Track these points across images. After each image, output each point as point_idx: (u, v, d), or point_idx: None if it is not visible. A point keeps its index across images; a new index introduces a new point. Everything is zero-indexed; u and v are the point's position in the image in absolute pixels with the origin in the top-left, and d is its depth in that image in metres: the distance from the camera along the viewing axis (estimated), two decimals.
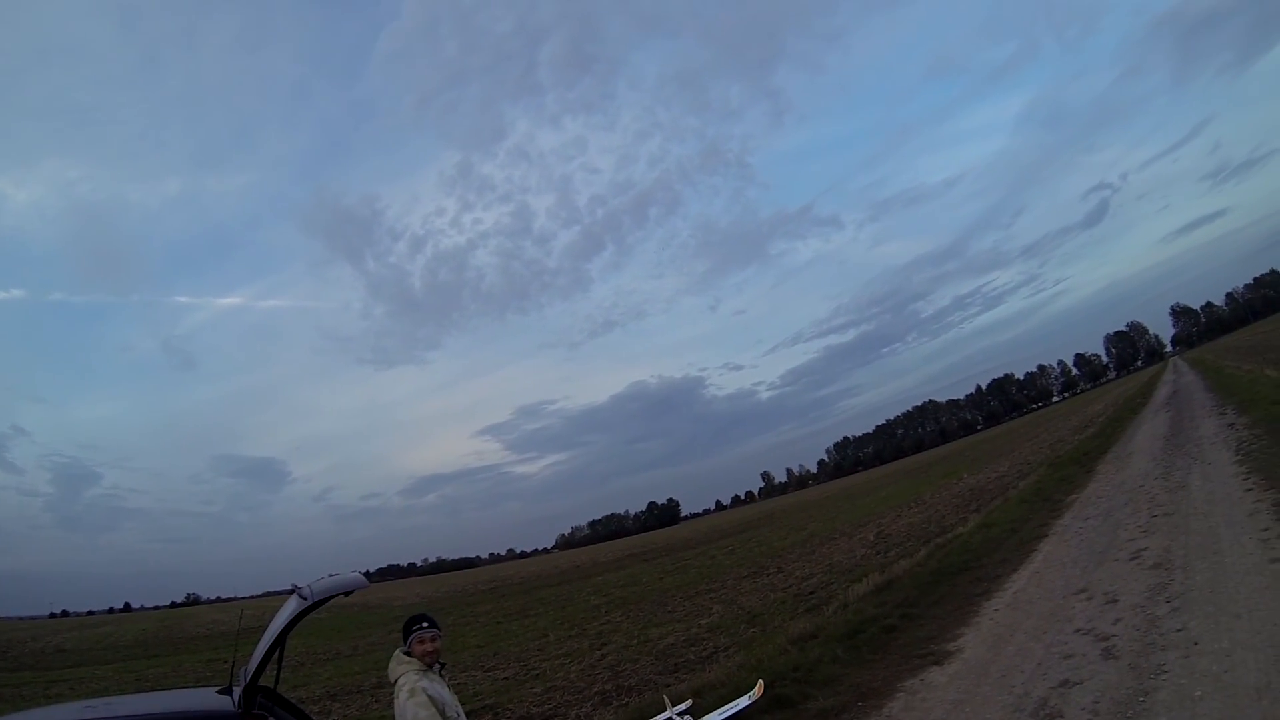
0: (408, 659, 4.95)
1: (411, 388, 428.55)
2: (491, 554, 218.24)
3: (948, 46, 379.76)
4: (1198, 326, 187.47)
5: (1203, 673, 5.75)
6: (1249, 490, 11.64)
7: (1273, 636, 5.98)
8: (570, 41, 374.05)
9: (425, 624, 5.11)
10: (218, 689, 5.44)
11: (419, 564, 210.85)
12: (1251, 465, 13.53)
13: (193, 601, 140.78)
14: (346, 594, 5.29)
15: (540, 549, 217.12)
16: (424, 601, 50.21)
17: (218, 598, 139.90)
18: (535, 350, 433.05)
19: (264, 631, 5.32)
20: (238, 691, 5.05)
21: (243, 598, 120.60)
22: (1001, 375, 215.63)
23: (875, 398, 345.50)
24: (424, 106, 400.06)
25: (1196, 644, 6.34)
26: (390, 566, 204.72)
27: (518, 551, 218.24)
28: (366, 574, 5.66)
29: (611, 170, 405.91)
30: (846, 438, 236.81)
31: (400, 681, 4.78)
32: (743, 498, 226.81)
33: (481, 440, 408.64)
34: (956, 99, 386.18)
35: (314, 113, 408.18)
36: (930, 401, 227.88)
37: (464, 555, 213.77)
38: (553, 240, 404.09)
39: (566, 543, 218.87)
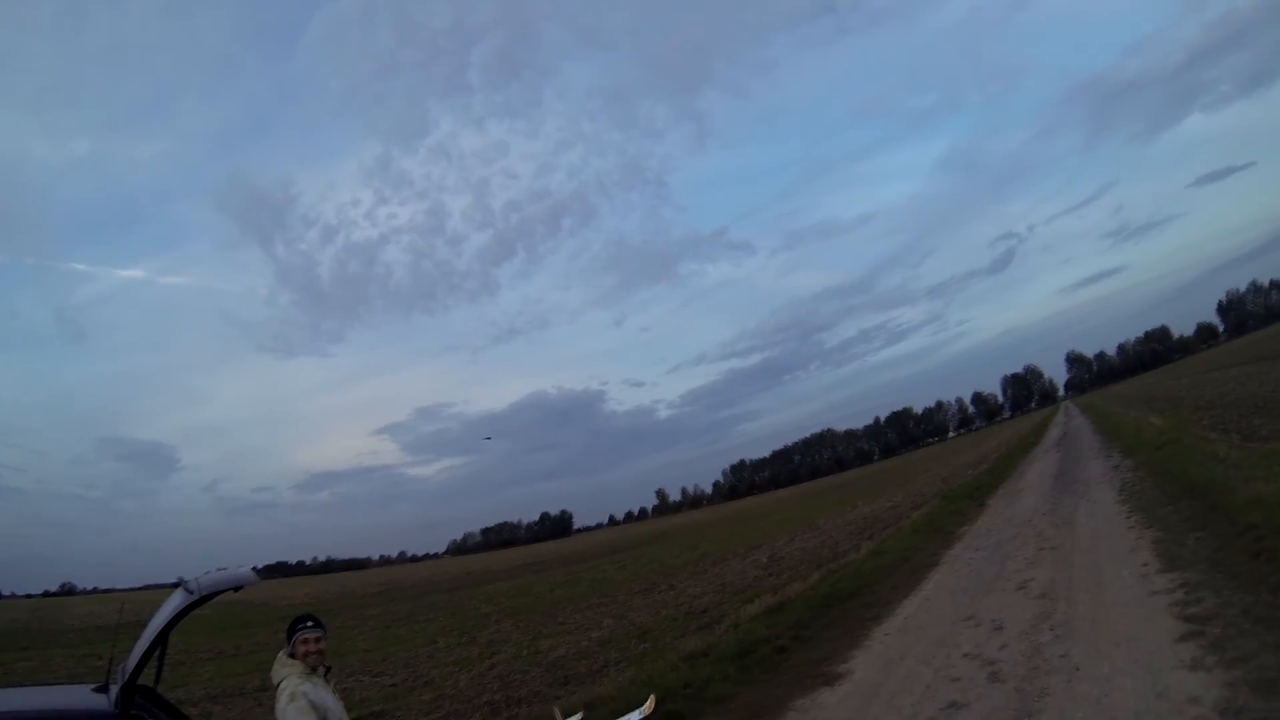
0: (291, 661, 4.83)
1: (312, 380, 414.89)
2: (382, 556, 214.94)
3: (875, 89, 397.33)
4: (1090, 374, 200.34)
5: (1083, 697, 6.07)
6: (1131, 528, 12.42)
7: (1150, 664, 6.38)
8: (504, 44, 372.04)
9: (310, 624, 4.99)
10: (93, 686, 5.20)
11: (308, 562, 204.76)
12: (1134, 505, 14.44)
13: (68, 591, 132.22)
14: (235, 590, 5.19)
15: (432, 554, 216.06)
16: (312, 601, 49.33)
17: (95, 588, 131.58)
18: (438, 352, 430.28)
19: (145, 627, 5.10)
20: (115, 690, 4.81)
21: (122, 589, 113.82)
22: (900, 409, 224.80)
23: (774, 423, 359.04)
24: (351, 94, 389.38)
25: (1078, 669, 6.68)
26: (279, 564, 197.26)
27: (409, 555, 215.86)
28: (256, 570, 5.50)
29: (530, 177, 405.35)
30: (743, 461, 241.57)
31: (282, 685, 4.66)
32: (636, 514, 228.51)
33: (378, 439, 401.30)
34: (878, 139, 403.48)
35: (238, 87, 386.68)
36: (829, 430, 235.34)
37: (355, 556, 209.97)
38: (465, 242, 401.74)
39: (459, 549, 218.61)
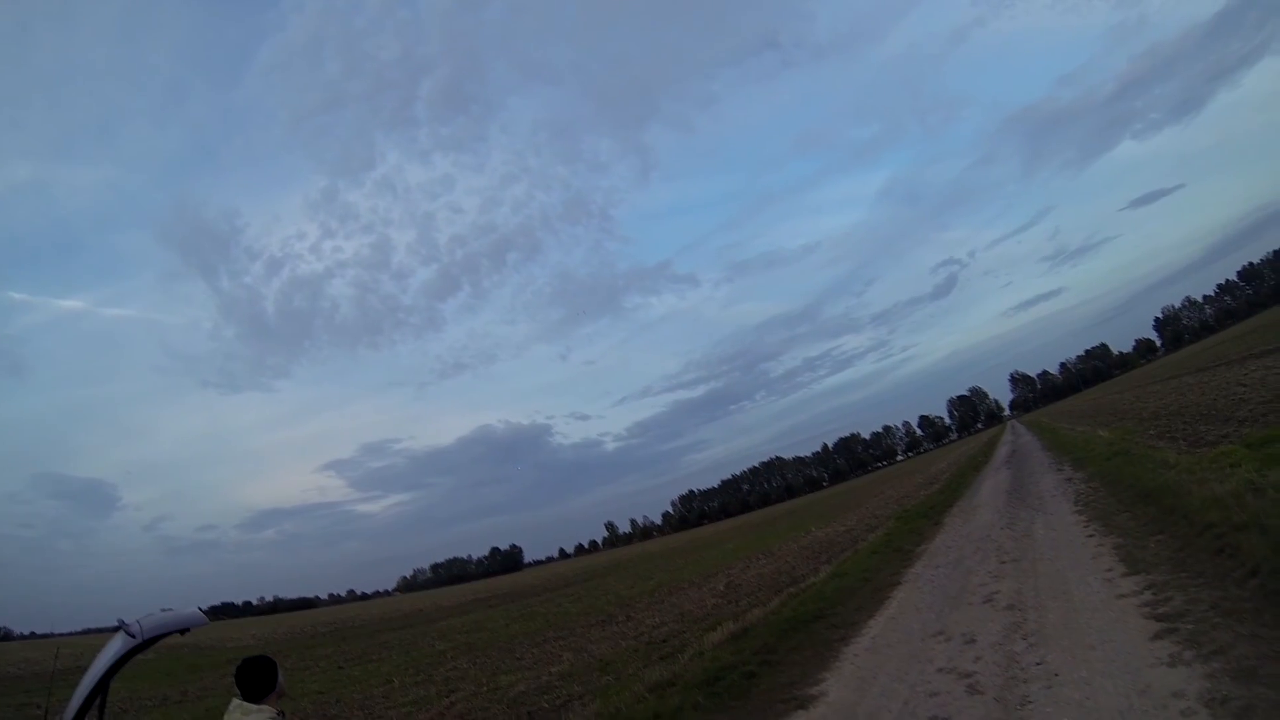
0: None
1: (256, 416, 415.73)
2: (331, 595, 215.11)
3: (817, 121, 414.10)
4: (1034, 392, 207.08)
5: (1066, 701, 6.16)
6: (1090, 536, 12.73)
7: (1128, 664, 6.51)
8: (452, 78, 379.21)
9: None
10: None
11: (255, 603, 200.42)
12: (1091, 514, 14.83)
13: (3, 636, 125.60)
14: (182, 632, 4.97)
15: (382, 591, 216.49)
16: (260, 643, 47.86)
17: (32, 633, 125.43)
18: (384, 387, 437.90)
19: (85, 673, 4.88)
20: None
21: (61, 634, 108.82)
22: (848, 434, 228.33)
23: (722, 453, 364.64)
24: (298, 125, 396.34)
25: (1057, 675, 6.78)
26: (225, 604, 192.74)
27: (358, 593, 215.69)
28: (203, 610, 5.29)
29: (475, 212, 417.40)
30: (692, 491, 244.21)
31: None
32: (586, 547, 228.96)
33: (325, 476, 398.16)
34: (821, 171, 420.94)
35: (184, 115, 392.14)
36: (777, 458, 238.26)
37: (303, 595, 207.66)
38: (410, 277, 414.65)
39: (409, 585, 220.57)
